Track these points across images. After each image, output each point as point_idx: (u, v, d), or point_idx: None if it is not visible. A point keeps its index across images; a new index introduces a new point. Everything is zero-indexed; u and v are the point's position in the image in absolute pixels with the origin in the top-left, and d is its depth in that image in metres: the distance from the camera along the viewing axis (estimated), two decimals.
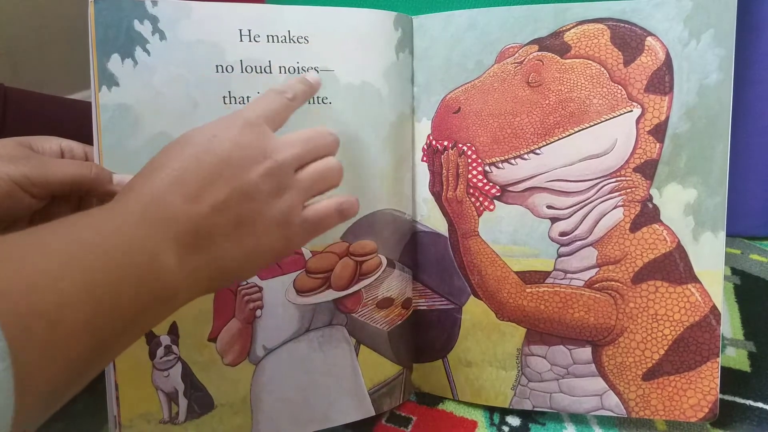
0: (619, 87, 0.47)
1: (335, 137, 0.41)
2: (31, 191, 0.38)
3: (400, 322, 0.53)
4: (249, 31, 0.46)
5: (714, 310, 0.48)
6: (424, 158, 0.52)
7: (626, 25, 0.47)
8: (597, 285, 0.49)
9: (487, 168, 0.50)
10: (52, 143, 0.44)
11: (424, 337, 0.55)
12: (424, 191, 0.53)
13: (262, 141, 0.37)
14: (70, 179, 0.39)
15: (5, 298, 0.24)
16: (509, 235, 0.51)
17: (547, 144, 0.49)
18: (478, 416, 0.52)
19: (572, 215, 0.49)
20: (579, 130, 0.48)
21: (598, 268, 0.49)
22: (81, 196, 0.46)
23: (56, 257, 0.27)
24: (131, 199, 0.33)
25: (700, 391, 0.48)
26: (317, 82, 0.44)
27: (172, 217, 0.33)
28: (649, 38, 0.47)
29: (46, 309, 0.25)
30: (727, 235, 0.47)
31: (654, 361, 0.49)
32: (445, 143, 0.51)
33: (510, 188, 0.50)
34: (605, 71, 0.47)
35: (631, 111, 0.47)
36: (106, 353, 0.30)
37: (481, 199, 0.51)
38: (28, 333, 0.24)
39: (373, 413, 0.52)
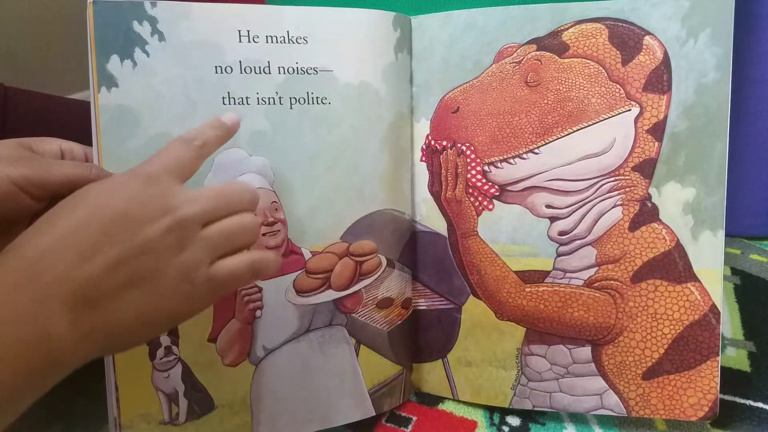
0: (618, 86, 0.47)
1: (253, 194, 0.39)
2: (30, 192, 0.38)
3: (399, 322, 0.53)
4: (248, 31, 0.46)
5: (713, 308, 0.48)
6: (423, 158, 0.53)
7: (624, 25, 0.47)
8: (596, 284, 0.49)
9: (486, 168, 0.50)
10: (52, 144, 0.44)
11: (424, 337, 0.55)
12: (423, 191, 0.53)
13: (163, 197, 0.35)
14: (70, 180, 0.39)
15: None
16: (508, 235, 0.51)
17: (545, 143, 0.49)
18: (478, 416, 0.52)
19: (571, 214, 0.49)
20: (577, 130, 0.48)
21: (597, 267, 0.49)
22: None
23: None
24: (17, 258, 0.31)
25: (700, 390, 0.48)
26: (235, 125, 0.41)
27: (62, 278, 0.31)
28: (647, 37, 0.47)
29: None
30: (727, 235, 0.47)
31: (654, 360, 0.49)
32: (444, 143, 0.51)
33: (509, 188, 0.50)
34: (603, 70, 0.47)
35: (630, 110, 0.47)
36: None
37: (480, 198, 0.51)
38: None
39: (373, 413, 0.52)
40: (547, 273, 0.50)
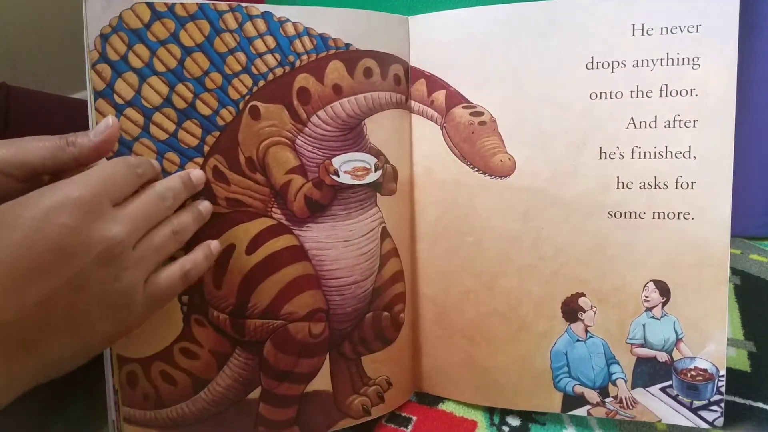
0: None
1: (175, 194, 0.39)
2: (12, 174, 0.37)
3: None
4: None
5: None
6: None
7: None
8: None
9: None
10: None
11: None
12: None
13: (95, 222, 0.33)
14: (51, 154, 0.38)
15: None
16: None
17: None
18: (478, 416, 0.52)
19: None
20: None
21: None
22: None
23: None
24: None
25: None
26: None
27: None
28: None
29: None
30: None
31: None
32: None
33: None
34: None
35: None
36: None
37: None
38: None
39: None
40: None
